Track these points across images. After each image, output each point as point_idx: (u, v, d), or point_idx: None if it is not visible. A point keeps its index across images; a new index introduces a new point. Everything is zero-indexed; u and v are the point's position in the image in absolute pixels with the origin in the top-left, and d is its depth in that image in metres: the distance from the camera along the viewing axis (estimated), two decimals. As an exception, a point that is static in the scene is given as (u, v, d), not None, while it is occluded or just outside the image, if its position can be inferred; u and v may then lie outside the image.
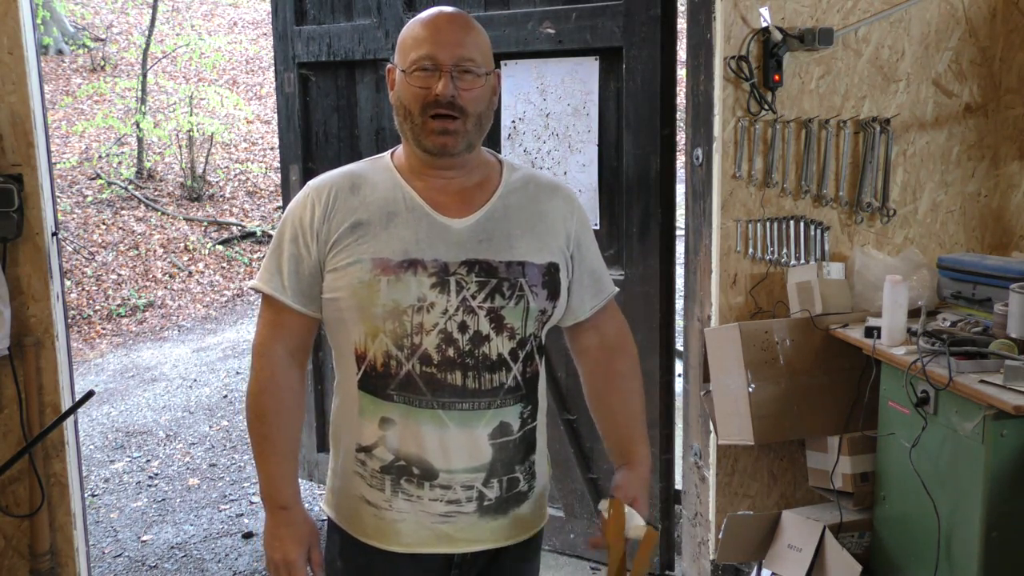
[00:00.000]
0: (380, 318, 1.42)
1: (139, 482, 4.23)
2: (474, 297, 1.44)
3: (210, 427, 4.97)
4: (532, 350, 1.50)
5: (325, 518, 1.59)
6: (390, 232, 1.45)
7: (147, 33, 10.27)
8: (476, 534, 1.49)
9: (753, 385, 2.52)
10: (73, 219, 8.46)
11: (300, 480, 3.98)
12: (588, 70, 2.95)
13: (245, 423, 1.57)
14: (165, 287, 7.90)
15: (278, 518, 1.51)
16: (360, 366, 1.46)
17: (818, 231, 2.73)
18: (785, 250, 2.73)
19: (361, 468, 1.49)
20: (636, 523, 1.53)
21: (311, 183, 1.54)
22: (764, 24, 2.59)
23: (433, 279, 1.43)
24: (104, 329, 7.17)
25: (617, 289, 1.70)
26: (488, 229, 1.48)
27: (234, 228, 8.92)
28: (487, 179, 1.55)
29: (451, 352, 1.42)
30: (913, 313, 2.44)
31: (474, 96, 1.46)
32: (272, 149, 10.19)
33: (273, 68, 3.68)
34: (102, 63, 12.05)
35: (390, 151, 1.58)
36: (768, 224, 2.71)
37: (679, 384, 3.06)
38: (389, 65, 1.53)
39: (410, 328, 1.42)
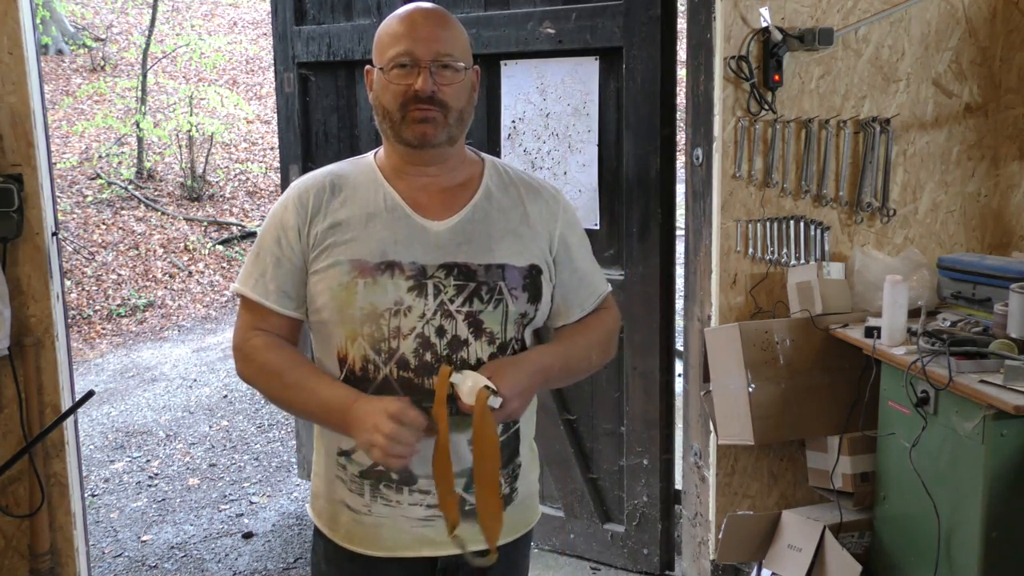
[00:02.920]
0: (358, 321, 1.41)
1: (139, 482, 4.23)
2: (452, 301, 1.42)
3: (210, 427, 4.97)
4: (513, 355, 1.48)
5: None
6: (368, 232, 1.44)
7: (147, 33, 10.27)
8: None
9: (753, 385, 2.52)
10: (73, 219, 8.46)
11: (300, 480, 4.00)
12: (588, 70, 2.95)
13: (266, 403, 1.52)
14: (165, 287, 7.90)
15: (356, 412, 1.37)
16: (341, 369, 1.45)
17: (818, 231, 2.73)
18: (785, 250, 2.73)
19: (342, 472, 1.49)
20: (468, 386, 1.35)
21: (293, 185, 1.53)
22: (764, 24, 2.59)
23: (410, 282, 1.42)
24: (104, 329, 7.17)
25: (609, 288, 1.66)
26: (467, 231, 1.47)
27: (234, 228, 8.92)
28: (470, 179, 1.53)
29: (428, 357, 1.41)
30: (913, 313, 2.44)
31: (454, 91, 1.44)
32: (272, 149, 10.19)
33: (273, 68, 3.68)
34: (102, 63, 12.05)
35: (373, 151, 1.57)
36: (768, 224, 2.71)
37: (679, 384, 3.06)
38: (367, 67, 1.52)
39: (387, 332, 1.41)
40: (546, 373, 1.47)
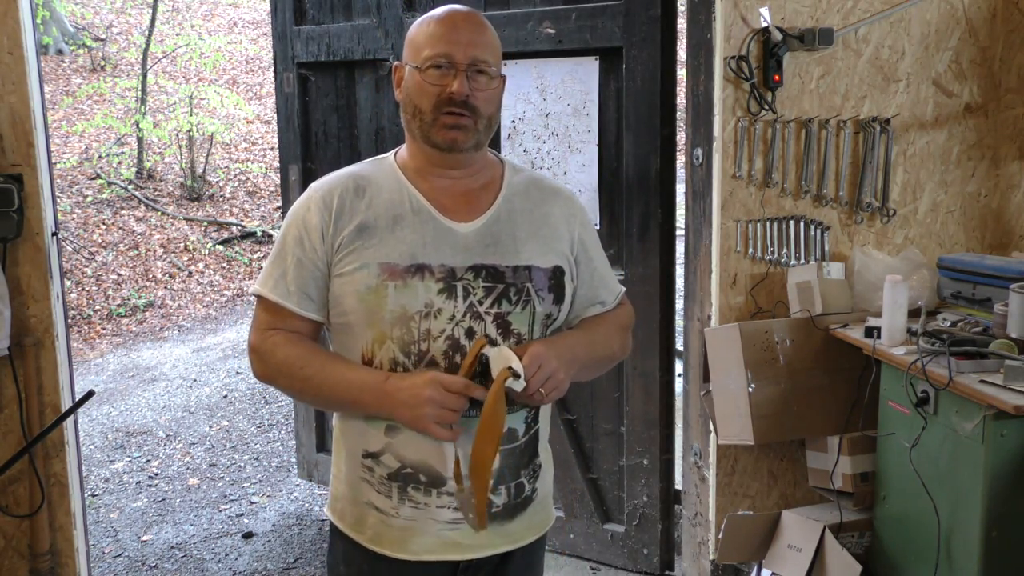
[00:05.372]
0: (387, 324, 1.41)
1: (139, 482, 4.23)
2: (481, 303, 1.43)
3: (210, 427, 4.97)
4: None
5: (328, 522, 1.58)
6: (396, 236, 1.43)
7: (147, 33, 10.27)
8: (483, 540, 1.48)
9: (753, 385, 2.52)
10: (73, 219, 8.46)
11: (300, 480, 4.00)
12: (588, 70, 2.95)
13: (285, 397, 1.50)
14: (165, 287, 7.90)
15: (392, 388, 1.38)
16: None
17: (818, 231, 2.73)
18: (785, 250, 2.73)
19: (368, 474, 1.48)
20: (498, 362, 1.37)
21: (314, 185, 1.51)
22: (764, 24, 2.59)
23: (440, 284, 1.41)
24: (104, 329, 7.17)
25: (623, 289, 1.69)
26: (494, 233, 1.47)
27: (234, 228, 8.92)
28: (491, 181, 1.54)
29: (458, 359, 1.41)
30: (913, 313, 2.44)
31: (486, 97, 1.45)
32: (272, 149, 10.19)
33: (273, 68, 3.69)
34: (102, 63, 12.05)
35: (393, 152, 1.56)
36: (768, 224, 2.71)
37: (679, 384, 3.06)
38: (396, 63, 1.52)
39: (417, 334, 1.41)
40: (574, 351, 1.48)
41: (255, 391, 5.54)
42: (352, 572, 1.54)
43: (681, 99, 2.96)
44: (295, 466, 4.15)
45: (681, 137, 2.94)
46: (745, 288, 2.73)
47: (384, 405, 1.39)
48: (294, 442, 4.18)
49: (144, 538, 3.64)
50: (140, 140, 9.62)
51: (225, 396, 5.51)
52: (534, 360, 1.38)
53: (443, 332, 1.41)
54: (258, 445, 4.66)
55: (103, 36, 12.76)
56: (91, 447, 4.67)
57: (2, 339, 2.53)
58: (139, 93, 9.90)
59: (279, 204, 8.88)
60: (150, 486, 4.18)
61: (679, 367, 3.15)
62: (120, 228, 8.57)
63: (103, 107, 10.58)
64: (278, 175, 7.34)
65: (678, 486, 3.12)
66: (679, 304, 3.14)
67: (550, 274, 1.49)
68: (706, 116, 2.69)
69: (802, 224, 2.72)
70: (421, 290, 1.41)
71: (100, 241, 8.29)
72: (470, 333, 1.42)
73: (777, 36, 2.57)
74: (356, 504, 1.50)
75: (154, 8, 10.52)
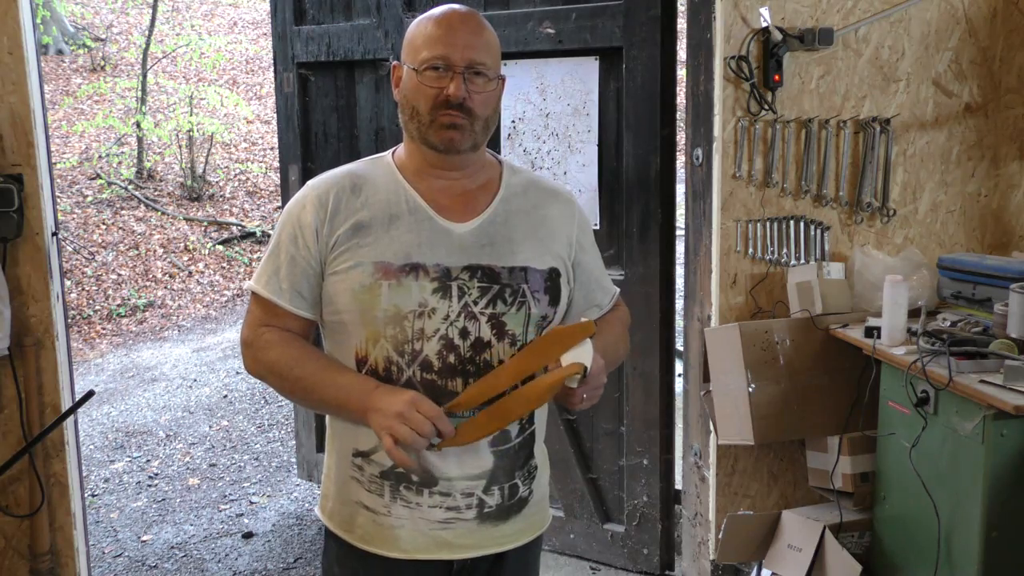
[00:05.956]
0: (381, 323, 1.41)
1: (139, 482, 4.23)
2: (476, 303, 1.43)
3: (210, 427, 4.97)
4: None
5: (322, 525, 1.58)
6: (392, 235, 1.43)
7: (147, 33, 10.27)
8: (476, 540, 1.48)
9: (753, 385, 2.52)
10: (73, 219, 8.46)
11: (300, 480, 4.00)
12: (588, 70, 2.95)
13: (278, 395, 1.50)
14: (165, 287, 7.90)
15: (378, 395, 1.38)
16: (360, 370, 1.45)
17: (818, 231, 2.73)
18: (785, 250, 2.73)
19: (358, 473, 1.48)
20: (575, 355, 1.40)
21: (310, 183, 1.51)
22: (764, 24, 2.59)
23: (435, 284, 1.41)
24: (104, 329, 7.17)
25: (617, 290, 1.70)
26: (490, 234, 1.47)
27: (234, 228, 8.92)
28: (489, 181, 1.53)
29: (452, 359, 1.41)
30: (913, 313, 2.44)
31: (483, 99, 1.44)
32: (272, 149, 10.19)
33: (273, 68, 3.69)
34: (102, 63, 12.05)
35: (391, 151, 1.55)
36: (768, 224, 2.71)
37: (679, 384, 3.06)
38: (395, 62, 1.51)
39: (411, 334, 1.41)
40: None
41: (255, 391, 5.54)
42: (346, 573, 1.53)
43: (681, 99, 2.96)
44: (295, 466, 4.15)
45: (681, 137, 2.94)
46: (745, 288, 2.73)
47: (364, 409, 1.39)
48: (294, 442, 4.18)
49: (144, 538, 3.64)
50: (140, 140, 9.62)
51: (225, 396, 5.51)
52: (599, 372, 1.43)
53: (437, 331, 1.41)
54: (258, 445, 4.66)
55: (103, 36, 12.76)
56: (91, 447, 4.67)
57: (2, 339, 2.53)
58: (139, 93, 9.91)
59: (279, 204, 8.88)
60: (150, 486, 4.18)
61: (679, 367, 3.15)
62: (120, 228, 8.57)
63: (103, 107, 10.58)
64: (278, 175, 7.33)
65: (678, 486, 3.12)
66: (679, 304, 3.14)
67: (546, 276, 1.49)
68: (706, 116, 2.69)
69: (802, 224, 2.72)
70: (415, 289, 1.41)
71: (100, 241, 8.30)
72: (464, 333, 1.42)
73: (777, 36, 2.57)
74: (346, 503, 1.50)
75: (154, 8, 10.52)
